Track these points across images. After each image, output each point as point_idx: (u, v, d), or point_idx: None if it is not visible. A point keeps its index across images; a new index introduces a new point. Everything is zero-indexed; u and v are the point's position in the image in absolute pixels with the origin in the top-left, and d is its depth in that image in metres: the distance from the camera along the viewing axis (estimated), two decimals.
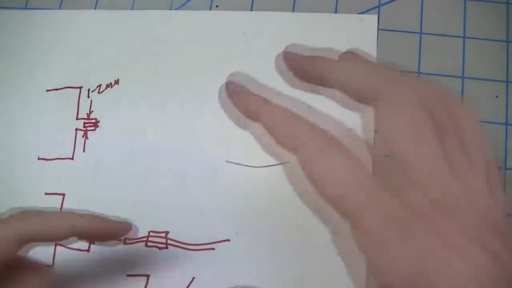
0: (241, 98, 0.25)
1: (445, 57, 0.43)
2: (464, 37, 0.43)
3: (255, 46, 0.44)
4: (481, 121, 0.40)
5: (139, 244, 0.40)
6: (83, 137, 0.43)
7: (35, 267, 0.29)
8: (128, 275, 0.39)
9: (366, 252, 0.21)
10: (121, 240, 0.40)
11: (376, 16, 0.44)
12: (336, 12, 0.44)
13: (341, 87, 0.23)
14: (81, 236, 0.29)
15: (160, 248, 0.39)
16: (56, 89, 0.45)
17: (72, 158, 0.42)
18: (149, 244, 0.40)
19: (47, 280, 0.28)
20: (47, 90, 0.45)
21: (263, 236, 0.39)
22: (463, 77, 0.42)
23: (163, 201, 0.40)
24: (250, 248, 0.39)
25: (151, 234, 0.40)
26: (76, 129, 0.43)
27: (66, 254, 0.40)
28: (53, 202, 0.41)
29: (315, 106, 0.41)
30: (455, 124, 0.22)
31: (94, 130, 0.43)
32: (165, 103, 0.43)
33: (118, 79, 0.44)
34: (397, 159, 0.21)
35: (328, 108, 0.41)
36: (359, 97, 0.23)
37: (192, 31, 0.45)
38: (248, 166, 0.41)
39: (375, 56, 0.42)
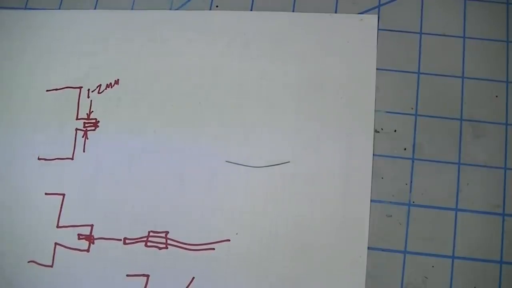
0: None
1: (445, 57, 0.43)
2: (464, 37, 0.43)
3: (255, 46, 0.44)
4: (481, 121, 0.41)
5: (139, 244, 0.40)
6: (83, 137, 0.43)
7: None
8: (127, 275, 0.39)
9: None
10: (121, 240, 0.40)
11: (376, 16, 0.44)
12: (336, 12, 0.44)
13: None
14: None
15: (160, 248, 0.40)
16: (56, 89, 0.45)
17: (72, 158, 0.42)
18: (149, 244, 0.40)
19: None
20: (47, 90, 0.45)
21: (263, 236, 0.39)
22: (463, 77, 0.42)
23: (163, 201, 0.40)
24: (250, 248, 0.39)
25: (151, 234, 0.40)
26: (76, 129, 0.43)
27: (66, 254, 0.40)
28: (53, 202, 0.41)
29: (315, 105, 0.42)
30: None
31: (94, 130, 0.43)
32: (165, 103, 0.43)
33: (118, 79, 0.44)
34: None
35: (328, 107, 0.42)
36: None
37: (192, 31, 0.45)
38: (248, 166, 0.41)
39: (375, 56, 0.42)
